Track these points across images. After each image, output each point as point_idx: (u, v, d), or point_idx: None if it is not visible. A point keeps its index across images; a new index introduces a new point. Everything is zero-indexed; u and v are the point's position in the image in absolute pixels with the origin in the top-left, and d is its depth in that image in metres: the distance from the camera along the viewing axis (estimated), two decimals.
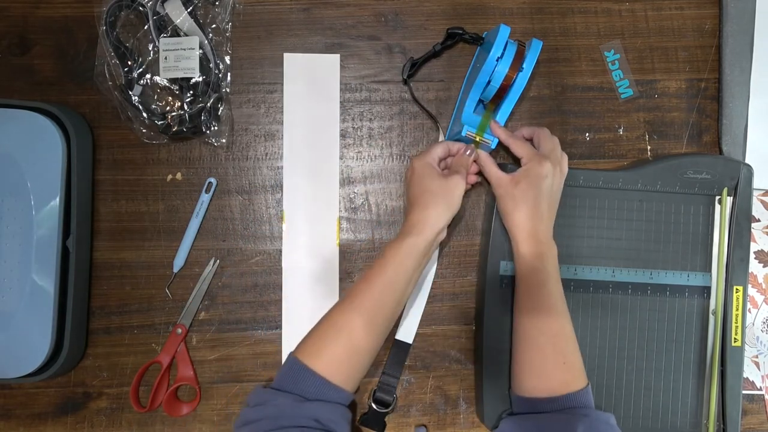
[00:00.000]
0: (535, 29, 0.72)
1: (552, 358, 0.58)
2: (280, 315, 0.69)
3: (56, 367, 0.63)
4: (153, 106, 0.68)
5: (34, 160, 0.63)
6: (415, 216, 0.60)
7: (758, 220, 0.72)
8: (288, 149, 0.70)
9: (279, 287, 0.70)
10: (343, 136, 0.71)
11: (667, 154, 0.72)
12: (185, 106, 0.67)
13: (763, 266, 0.72)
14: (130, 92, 0.67)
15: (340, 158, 0.71)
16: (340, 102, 0.71)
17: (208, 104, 0.67)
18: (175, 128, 0.67)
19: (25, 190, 0.63)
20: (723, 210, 0.68)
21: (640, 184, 0.68)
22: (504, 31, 0.62)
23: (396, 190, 0.71)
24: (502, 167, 0.67)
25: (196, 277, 0.69)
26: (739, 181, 0.68)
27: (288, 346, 0.69)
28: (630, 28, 0.73)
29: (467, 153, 0.65)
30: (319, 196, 0.70)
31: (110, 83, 0.67)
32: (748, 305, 0.71)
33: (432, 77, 0.72)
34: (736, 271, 0.67)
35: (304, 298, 0.69)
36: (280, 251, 0.70)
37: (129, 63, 0.67)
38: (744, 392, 0.70)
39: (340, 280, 0.70)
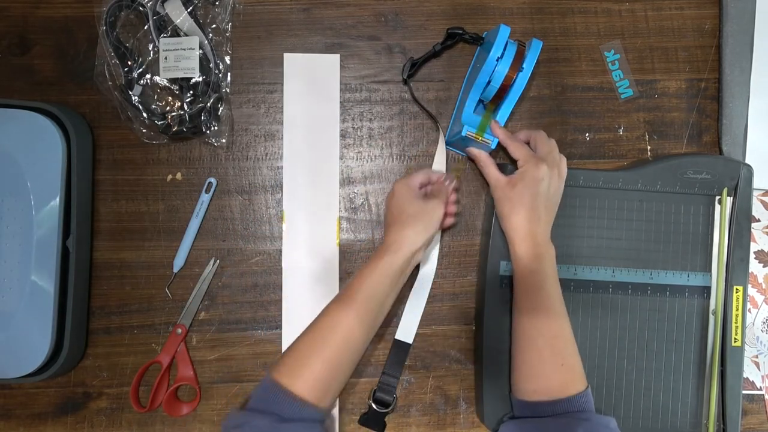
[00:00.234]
0: (535, 29, 0.72)
1: (550, 360, 0.58)
2: (280, 315, 0.69)
3: (56, 367, 0.63)
4: (153, 106, 0.68)
5: (34, 160, 0.63)
6: (393, 235, 0.61)
7: (758, 220, 0.72)
8: (288, 149, 0.70)
9: (279, 287, 0.70)
10: (343, 136, 0.71)
11: (667, 154, 0.72)
12: (185, 106, 0.67)
13: (763, 266, 0.72)
14: (130, 92, 0.67)
15: (340, 158, 0.71)
16: (340, 102, 0.71)
17: (208, 104, 0.67)
18: (175, 128, 0.67)
19: (25, 190, 0.63)
20: (723, 210, 0.68)
21: (640, 184, 0.68)
22: (504, 31, 0.62)
23: None
24: (502, 168, 0.67)
25: (196, 277, 0.69)
26: (739, 181, 0.68)
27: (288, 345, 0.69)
28: (630, 28, 0.73)
29: (447, 182, 0.67)
30: (319, 196, 0.70)
31: (110, 83, 0.67)
32: (748, 305, 0.71)
33: (432, 77, 0.72)
34: (736, 271, 0.67)
35: (304, 298, 0.69)
36: (280, 251, 0.70)
37: (129, 63, 0.67)
38: (744, 392, 0.70)
39: (340, 280, 0.70)
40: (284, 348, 0.69)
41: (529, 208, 0.62)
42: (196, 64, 0.67)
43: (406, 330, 0.69)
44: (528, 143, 0.66)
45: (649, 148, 0.72)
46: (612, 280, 0.68)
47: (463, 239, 0.71)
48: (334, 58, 0.71)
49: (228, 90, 0.70)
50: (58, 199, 0.63)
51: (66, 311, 0.64)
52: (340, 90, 0.71)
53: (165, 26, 0.67)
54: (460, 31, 0.69)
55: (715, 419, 0.66)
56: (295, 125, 0.70)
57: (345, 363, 0.57)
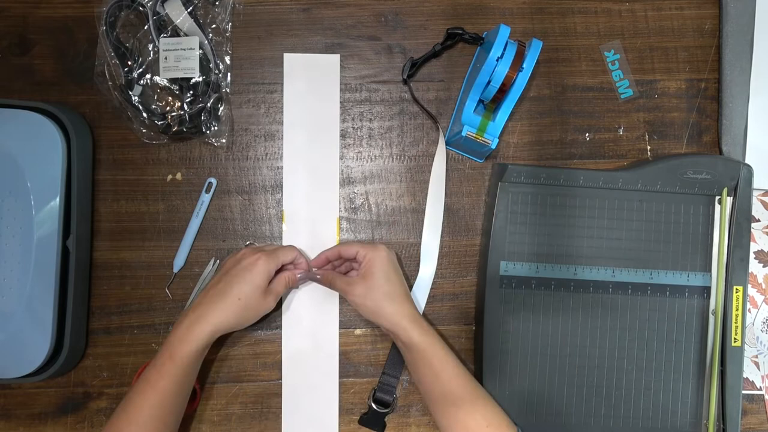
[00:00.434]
0: (535, 29, 0.72)
1: None
2: (280, 315, 0.69)
3: (56, 367, 0.63)
4: (153, 106, 0.68)
5: (34, 160, 0.63)
6: (197, 318, 0.59)
7: (758, 220, 0.72)
8: (288, 149, 0.70)
9: None
10: (343, 136, 0.71)
11: (667, 154, 0.72)
12: (185, 106, 0.67)
13: (763, 266, 0.72)
14: (130, 92, 0.67)
15: (340, 158, 0.71)
16: (340, 102, 0.71)
17: (208, 104, 0.67)
18: (175, 128, 0.67)
19: (25, 190, 0.63)
20: (723, 210, 0.68)
21: (640, 184, 0.68)
22: (504, 31, 0.62)
23: (396, 190, 0.71)
24: (501, 167, 0.67)
25: (196, 277, 0.69)
26: (739, 181, 0.68)
27: (288, 346, 0.69)
28: (630, 28, 0.73)
29: (300, 275, 0.65)
30: (319, 196, 0.70)
31: (110, 83, 0.67)
32: (748, 305, 0.71)
33: (432, 77, 0.72)
34: (736, 271, 0.67)
35: (303, 299, 0.69)
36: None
37: (129, 63, 0.67)
38: (744, 392, 0.70)
39: None
40: (284, 348, 0.69)
41: (396, 289, 0.62)
42: (196, 64, 0.67)
43: None
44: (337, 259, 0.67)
45: (649, 148, 0.72)
46: (612, 280, 0.68)
47: (463, 239, 0.71)
48: (334, 58, 0.71)
49: (228, 90, 0.70)
50: (58, 199, 0.63)
51: (66, 311, 0.64)
52: (340, 90, 0.71)
53: (165, 26, 0.67)
54: (460, 31, 0.69)
55: (715, 419, 0.66)
56: (295, 125, 0.70)
57: None
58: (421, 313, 0.69)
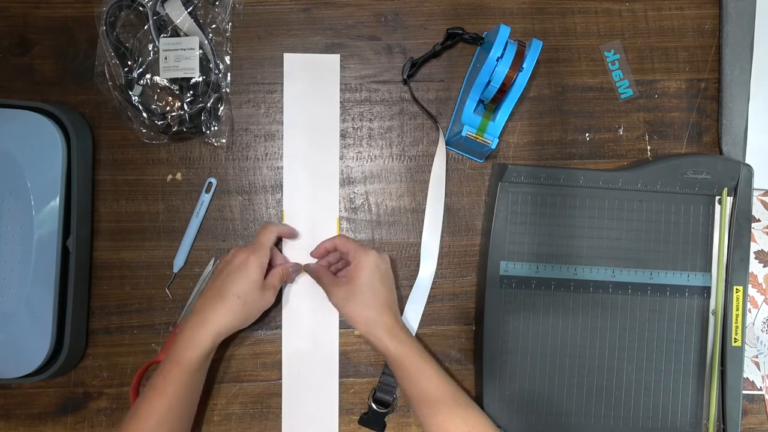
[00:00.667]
0: (535, 29, 0.72)
1: None
2: (280, 315, 0.69)
3: (56, 367, 0.63)
4: (153, 106, 0.68)
5: (34, 160, 0.63)
6: (202, 321, 0.59)
7: (758, 220, 0.72)
8: (288, 149, 0.70)
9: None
10: (343, 136, 0.71)
11: (667, 154, 0.72)
12: (185, 106, 0.67)
13: (763, 266, 0.72)
14: (130, 92, 0.67)
15: (340, 158, 0.71)
16: (340, 102, 0.71)
17: (208, 104, 0.67)
18: (175, 128, 0.67)
19: (25, 190, 0.63)
20: (723, 210, 0.68)
21: (640, 184, 0.68)
22: (504, 31, 0.62)
23: (396, 190, 0.71)
24: (502, 167, 0.67)
25: (196, 277, 0.69)
26: (739, 181, 0.68)
27: (288, 346, 0.69)
28: (630, 28, 0.73)
29: (292, 271, 0.66)
30: (319, 196, 0.70)
31: (110, 83, 0.67)
32: (748, 305, 0.71)
33: (432, 77, 0.72)
34: (736, 271, 0.67)
35: (304, 298, 0.69)
36: (280, 252, 0.70)
37: (129, 63, 0.67)
38: (744, 392, 0.70)
39: None
40: (284, 348, 0.69)
41: (378, 297, 0.62)
42: (196, 64, 0.67)
43: None
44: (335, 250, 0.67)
45: (649, 148, 0.72)
46: (612, 280, 0.68)
47: (463, 239, 0.71)
48: (334, 58, 0.71)
49: (228, 90, 0.70)
50: (58, 199, 0.63)
51: (66, 311, 0.64)
52: (340, 90, 0.71)
53: (165, 26, 0.67)
54: (460, 31, 0.69)
55: (715, 419, 0.66)
56: (295, 125, 0.70)
57: None
58: (421, 313, 0.69)
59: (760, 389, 0.71)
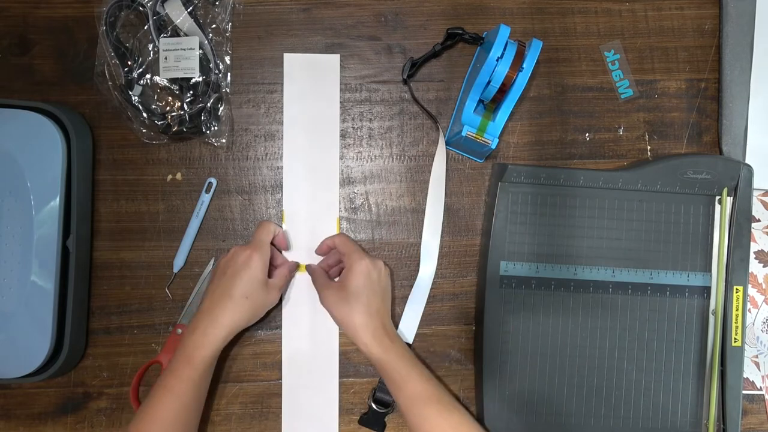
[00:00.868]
0: (535, 29, 0.72)
1: None
2: (280, 315, 0.69)
3: (56, 367, 0.63)
4: (153, 106, 0.68)
5: (34, 160, 0.63)
6: (210, 321, 0.60)
7: (758, 220, 0.72)
8: (288, 149, 0.70)
9: None
10: (343, 136, 0.71)
11: (667, 154, 0.72)
12: (185, 106, 0.67)
13: (763, 266, 0.72)
14: (130, 92, 0.67)
15: (340, 158, 0.71)
16: (340, 102, 0.71)
17: (208, 104, 0.67)
18: (175, 128, 0.67)
19: (25, 190, 0.63)
20: (723, 210, 0.68)
21: (640, 184, 0.68)
22: (504, 31, 0.62)
23: (396, 190, 0.71)
24: (502, 167, 0.67)
25: (196, 277, 0.69)
26: (739, 181, 0.68)
27: (288, 346, 0.69)
28: (630, 28, 0.73)
29: (289, 268, 0.67)
30: (319, 196, 0.70)
31: (110, 83, 0.67)
32: (748, 305, 0.71)
33: (432, 77, 0.72)
34: (736, 271, 0.67)
35: (304, 298, 0.69)
36: (280, 252, 0.70)
37: (129, 63, 0.67)
38: (744, 392, 0.70)
39: None
40: (284, 348, 0.69)
41: (367, 303, 0.62)
42: (196, 64, 0.67)
43: (406, 330, 0.69)
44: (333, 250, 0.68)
45: (649, 148, 0.72)
46: (612, 280, 0.68)
47: (463, 239, 0.71)
48: (334, 58, 0.71)
49: (228, 90, 0.70)
50: (58, 199, 0.63)
51: (66, 311, 0.64)
52: (340, 90, 0.71)
53: (165, 26, 0.67)
54: (460, 31, 0.69)
55: (715, 419, 0.66)
56: (295, 125, 0.70)
57: None
58: (421, 313, 0.69)
59: (760, 389, 0.71)
